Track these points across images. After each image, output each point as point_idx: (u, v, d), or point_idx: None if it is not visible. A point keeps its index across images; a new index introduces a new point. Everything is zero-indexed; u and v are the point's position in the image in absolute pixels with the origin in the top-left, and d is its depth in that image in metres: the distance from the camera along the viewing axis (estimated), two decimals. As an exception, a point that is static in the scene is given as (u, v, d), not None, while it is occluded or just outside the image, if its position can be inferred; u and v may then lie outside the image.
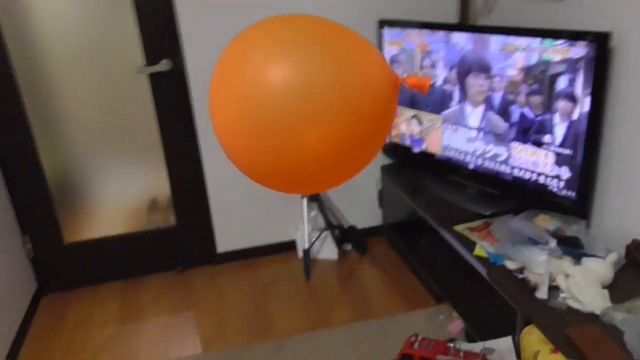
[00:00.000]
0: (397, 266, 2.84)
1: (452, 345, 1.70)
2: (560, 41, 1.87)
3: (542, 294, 1.62)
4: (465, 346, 1.74)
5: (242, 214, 2.91)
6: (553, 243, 1.69)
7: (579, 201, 1.94)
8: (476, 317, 2.17)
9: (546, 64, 1.93)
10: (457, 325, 2.27)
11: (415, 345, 1.72)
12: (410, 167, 2.76)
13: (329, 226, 2.75)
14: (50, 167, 2.66)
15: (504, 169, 2.19)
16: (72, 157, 2.67)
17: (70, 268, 2.85)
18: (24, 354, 2.41)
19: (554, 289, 1.66)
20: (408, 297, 2.57)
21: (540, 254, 1.66)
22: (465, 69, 2.24)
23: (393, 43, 2.56)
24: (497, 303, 1.87)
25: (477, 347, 1.77)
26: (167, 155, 2.76)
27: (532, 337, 1.61)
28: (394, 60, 2.58)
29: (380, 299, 2.57)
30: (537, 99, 1.99)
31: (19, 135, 2.55)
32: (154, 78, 2.61)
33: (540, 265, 1.64)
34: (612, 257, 1.64)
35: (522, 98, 2.04)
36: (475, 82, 2.21)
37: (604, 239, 1.92)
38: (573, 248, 1.74)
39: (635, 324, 1.45)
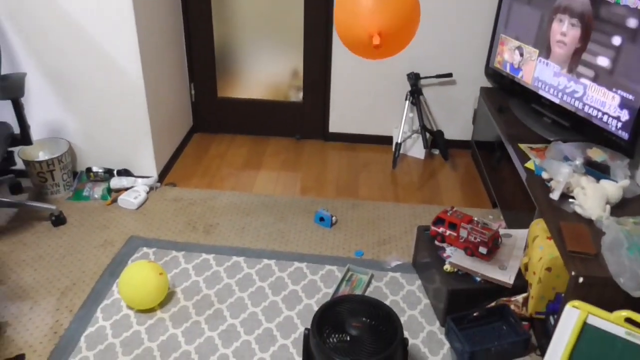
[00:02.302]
0: (472, 176, 3.29)
1: (476, 219, 2.21)
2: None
3: (554, 195, 2.04)
4: (488, 224, 2.23)
5: (354, 106, 3.50)
6: (579, 162, 2.07)
7: (630, 142, 2.25)
8: (514, 220, 2.61)
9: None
10: (499, 225, 2.72)
11: (449, 214, 2.25)
12: (504, 91, 3.12)
13: (422, 128, 3.24)
14: (218, 36, 3.42)
15: (577, 104, 2.51)
16: (235, 32, 3.40)
17: (218, 117, 3.68)
18: (176, 168, 3.31)
19: (570, 197, 2.06)
20: (471, 198, 3.05)
21: (564, 167, 2.05)
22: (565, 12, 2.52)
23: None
24: (530, 209, 2.30)
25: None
26: (305, 44, 3.38)
27: (538, 226, 2.05)
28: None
29: (448, 195, 3.07)
30: (622, 49, 2.26)
31: (202, 9, 3.31)
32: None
33: (561, 175, 2.04)
34: (624, 182, 1.98)
35: (609, 43, 2.31)
36: (574, 33, 2.47)
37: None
38: (599, 171, 2.10)
39: (615, 230, 1.83)
